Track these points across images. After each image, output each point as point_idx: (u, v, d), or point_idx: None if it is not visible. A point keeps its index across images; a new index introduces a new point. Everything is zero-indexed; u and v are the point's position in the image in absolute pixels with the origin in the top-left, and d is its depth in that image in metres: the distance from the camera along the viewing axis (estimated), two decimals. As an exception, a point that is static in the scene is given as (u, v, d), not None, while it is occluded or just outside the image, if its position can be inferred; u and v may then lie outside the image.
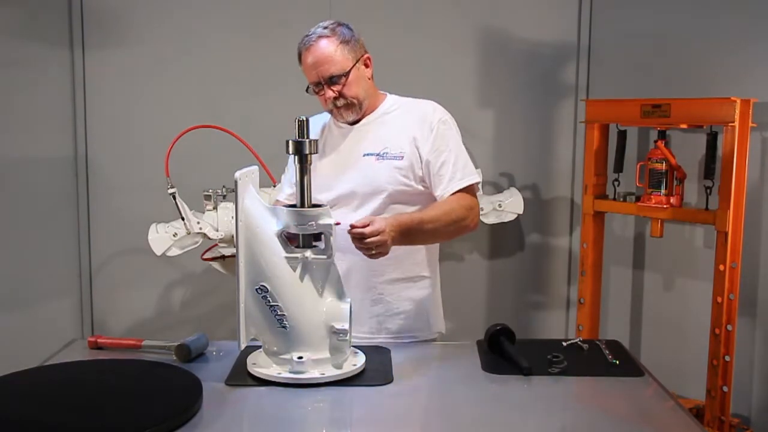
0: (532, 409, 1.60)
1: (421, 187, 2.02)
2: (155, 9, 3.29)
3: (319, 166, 2.02)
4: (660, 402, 1.63)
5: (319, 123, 2.12)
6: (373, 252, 1.77)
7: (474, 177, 2.02)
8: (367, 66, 2.06)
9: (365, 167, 2.01)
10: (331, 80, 1.99)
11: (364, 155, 2.02)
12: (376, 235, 1.75)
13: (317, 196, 1.90)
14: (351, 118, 2.05)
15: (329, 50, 1.98)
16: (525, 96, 3.43)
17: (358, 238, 1.75)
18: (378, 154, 2.01)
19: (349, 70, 1.99)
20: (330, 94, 1.99)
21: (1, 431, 1.38)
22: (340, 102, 2.01)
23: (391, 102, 2.10)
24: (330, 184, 2.03)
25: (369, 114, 2.07)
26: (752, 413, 2.92)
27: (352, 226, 1.76)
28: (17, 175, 3.22)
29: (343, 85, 1.99)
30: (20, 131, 3.22)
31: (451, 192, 1.98)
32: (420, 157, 2.00)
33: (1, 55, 3.15)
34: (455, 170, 1.99)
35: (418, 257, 2.08)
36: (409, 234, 1.86)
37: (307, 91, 2.07)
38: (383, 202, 1.99)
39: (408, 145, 2.01)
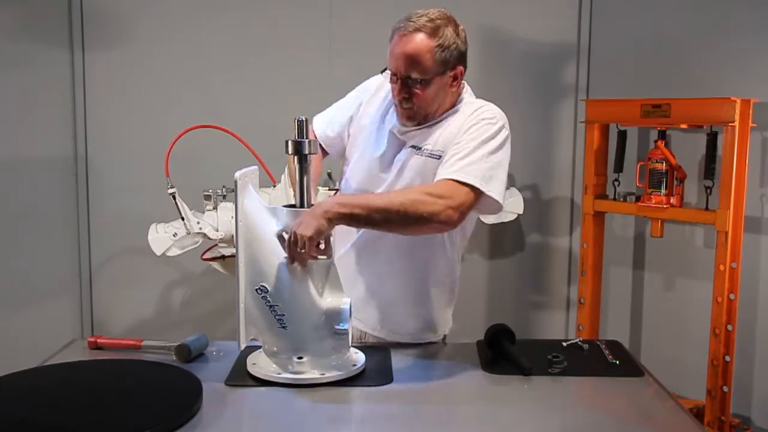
0: (532, 409, 1.60)
1: None
2: (155, 9, 3.29)
3: (365, 135, 1.93)
4: (660, 402, 1.63)
5: (382, 86, 1.97)
6: (300, 245, 1.59)
7: (481, 184, 1.73)
8: (455, 78, 1.84)
9: (403, 158, 1.87)
10: (408, 80, 1.78)
11: (410, 147, 1.87)
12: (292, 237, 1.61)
13: (354, 172, 1.87)
14: (408, 126, 1.86)
15: (421, 49, 1.75)
16: (525, 96, 3.43)
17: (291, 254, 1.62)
18: (419, 149, 1.86)
19: (431, 79, 1.78)
20: (396, 91, 1.81)
21: (1, 431, 1.38)
22: (406, 104, 1.82)
23: (462, 104, 1.91)
24: (367, 164, 1.91)
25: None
26: (752, 413, 2.92)
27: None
28: (17, 175, 3.22)
29: (418, 91, 1.79)
30: (20, 131, 3.22)
31: (443, 177, 1.74)
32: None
33: (1, 55, 3.15)
34: (460, 162, 1.74)
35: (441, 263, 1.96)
36: (347, 207, 1.65)
37: (382, 72, 1.87)
38: None
39: (449, 144, 1.82)
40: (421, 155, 1.84)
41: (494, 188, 1.75)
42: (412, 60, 1.76)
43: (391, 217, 1.67)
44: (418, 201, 1.68)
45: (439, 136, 1.85)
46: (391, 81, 1.82)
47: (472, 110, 1.86)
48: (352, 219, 1.67)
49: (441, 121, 1.87)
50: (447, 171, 1.74)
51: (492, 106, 1.89)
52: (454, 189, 1.71)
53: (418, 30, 1.76)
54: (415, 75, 1.77)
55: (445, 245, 1.94)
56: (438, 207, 1.68)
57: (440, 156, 1.81)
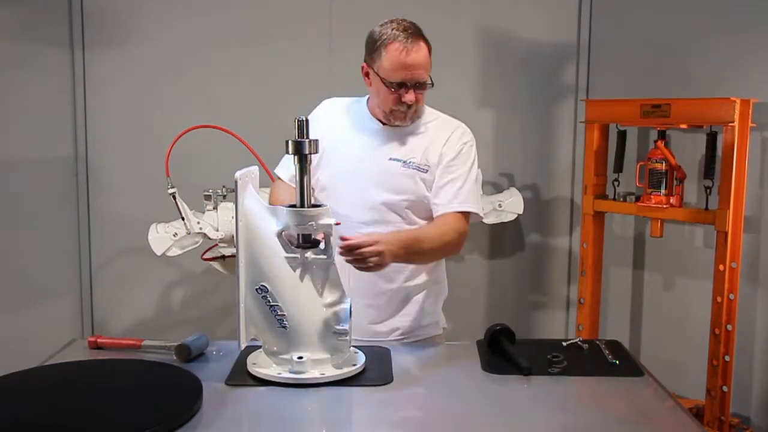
0: (532, 409, 1.60)
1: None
2: (155, 9, 3.29)
3: (337, 155, 2.01)
4: (660, 402, 1.63)
5: (347, 107, 2.10)
6: (370, 264, 1.74)
7: (477, 209, 2.03)
8: None
9: (389, 172, 2.00)
10: (418, 85, 1.94)
11: (389, 159, 2.00)
12: (371, 245, 1.73)
13: (332, 190, 1.97)
14: (408, 124, 2.01)
15: (426, 55, 1.94)
16: (525, 96, 3.43)
17: (348, 250, 1.73)
18: (404, 162, 2.00)
19: (431, 80, 1.96)
20: (412, 98, 1.93)
21: (1, 431, 1.38)
22: (413, 108, 1.97)
23: (428, 113, 2.07)
24: (350, 180, 2.01)
25: None
26: (752, 413, 2.92)
27: (343, 239, 1.73)
28: (17, 175, 3.22)
29: (421, 94, 1.96)
30: (20, 131, 3.22)
31: (452, 211, 1.98)
32: (437, 169, 2.01)
33: (1, 55, 3.15)
34: (460, 192, 1.99)
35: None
36: (407, 251, 1.85)
37: (366, 74, 1.99)
38: (401, 209, 2.00)
39: (433, 160, 2.01)
40: (408, 168, 2.00)
41: (480, 206, 2.08)
42: (422, 66, 1.92)
43: (433, 256, 2.02)
44: (449, 241, 1.95)
45: (420, 148, 2.01)
46: (392, 90, 1.93)
47: (451, 129, 2.06)
48: (406, 261, 1.93)
49: (414, 129, 2.03)
50: (453, 203, 1.99)
51: (462, 124, 2.10)
52: (462, 220, 2.00)
53: (419, 39, 1.92)
54: (423, 78, 1.93)
55: None
56: (458, 239, 1.98)
57: (427, 169, 2.00)
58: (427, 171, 2.00)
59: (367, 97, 2.11)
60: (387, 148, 2.01)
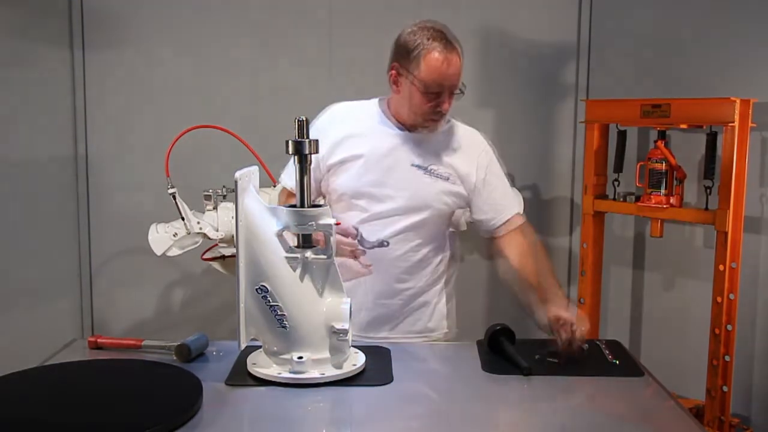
0: (532, 409, 1.60)
1: (457, 210, 2.07)
2: (155, 9, 3.29)
3: (355, 162, 2.00)
4: (660, 402, 1.63)
5: (363, 111, 2.08)
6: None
7: (517, 208, 2.11)
8: None
9: (414, 179, 2.00)
10: (452, 92, 1.94)
11: (411, 165, 2.00)
12: (578, 328, 1.81)
13: (355, 200, 1.98)
14: (435, 130, 2.01)
15: (461, 62, 1.93)
16: (525, 96, 3.43)
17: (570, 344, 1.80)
18: (426, 169, 2.00)
19: (464, 85, 1.96)
20: (448, 106, 1.94)
21: (1, 431, 1.38)
22: (445, 114, 1.97)
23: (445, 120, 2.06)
24: (371, 188, 2.00)
25: None
26: (752, 413, 2.92)
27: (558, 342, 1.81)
28: (17, 175, 3.22)
29: (452, 100, 1.95)
30: (20, 131, 3.22)
31: (511, 214, 2.06)
32: (466, 181, 2.03)
33: (1, 55, 3.15)
34: (505, 197, 2.08)
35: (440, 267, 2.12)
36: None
37: (393, 72, 1.97)
38: (424, 218, 2.01)
39: (454, 167, 2.02)
40: (430, 175, 2.01)
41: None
42: (459, 73, 1.92)
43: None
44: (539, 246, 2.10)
45: (444, 156, 2.02)
46: (431, 98, 1.92)
47: (466, 133, 2.09)
48: None
49: (434, 136, 2.03)
50: (511, 209, 2.09)
51: (478, 132, 2.13)
52: (521, 218, 2.10)
53: (455, 46, 1.92)
54: (459, 85, 1.94)
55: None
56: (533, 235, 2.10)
57: (448, 177, 2.02)
58: (448, 179, 2.02)
59: (378, 99, 2.09)
60: (407, 155, 2.01)
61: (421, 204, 2.00)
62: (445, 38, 1.91)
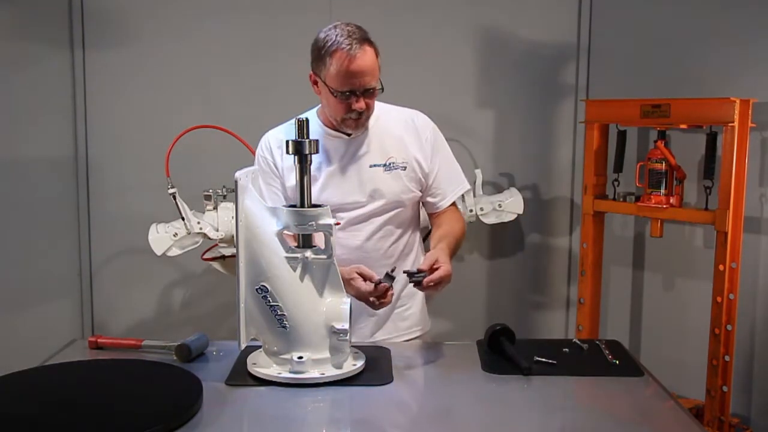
0: (532, 409, 1.60)
1: (419, 195, 2.06)
2: (155, 9, 3.29)
3: (319, 179, 1.99)
4: (660, 402, 1.63)
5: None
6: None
7: (465, 184, 2.13)
8: None
9: (376, 179, 1.99)
10: (367, 92, 1.88)
11: (370, 166, 1.99)
12: (445, 273, 1.81)
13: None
14: (361, 131, 1.98)
15: (373, 60, 1.86)
16: (525, 96, 3.43)
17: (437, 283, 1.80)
18: (384, 165, 1.99)
19: (381, 84, 1.91)
20: (362, 105, 1.88)
21: (1, 431, 1.38)
22: (364, 115, 1.93)
23: (377, 108, 2.01)
24: (337, 199, 1.98)
25: None
26: (752, 413, 2.92)
27: (420, 271, 1.80)
28: (17, 175, 3.22)
29: (370, 100, 1.90)
30: (20, 131, 3.22)
31: (450, 203, 2.08)
32: (421, 166, 2.02)
33: (1, 55, 3.15)
34: (451, 180, 2.08)
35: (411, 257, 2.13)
36: (452, 255, 1.93)
37: (315, 82, 1.93)
38: (398, 211, 2.02)
39: (407, 154, 2.01)
40: (390, 171, 2.00)
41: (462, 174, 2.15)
42: (370, 71, 1.86)
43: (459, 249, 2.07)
44: (463, 227, 2.08)
45: (390, 148, 2.00)
46: (341, 99, 1.87)
47: (408, 117, 2.05)
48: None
49: (373, 130, 2.00)
50: (452, 195, 2.09)
51: (417, 111, 2.08)
52: (455, 206, 2.12)
53: (364, 42, 1.85)
54: (373, 84, 1.87)
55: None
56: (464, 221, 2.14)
57: (405, 166, 2.00)
58: (406, 167, 2.01)
59: (315, 110, 2.05)
60: (362, 158, 1.99)
61: (393, 200, 2.01)
62: (352, 36, 1.84)
